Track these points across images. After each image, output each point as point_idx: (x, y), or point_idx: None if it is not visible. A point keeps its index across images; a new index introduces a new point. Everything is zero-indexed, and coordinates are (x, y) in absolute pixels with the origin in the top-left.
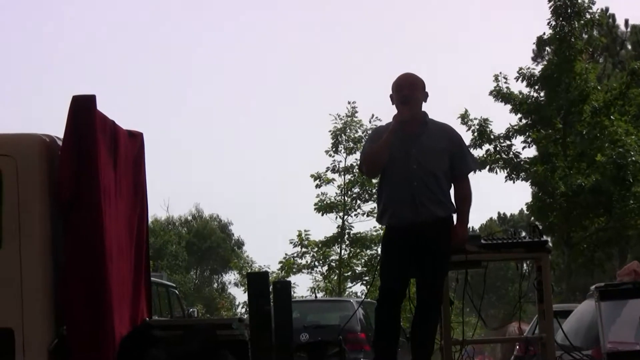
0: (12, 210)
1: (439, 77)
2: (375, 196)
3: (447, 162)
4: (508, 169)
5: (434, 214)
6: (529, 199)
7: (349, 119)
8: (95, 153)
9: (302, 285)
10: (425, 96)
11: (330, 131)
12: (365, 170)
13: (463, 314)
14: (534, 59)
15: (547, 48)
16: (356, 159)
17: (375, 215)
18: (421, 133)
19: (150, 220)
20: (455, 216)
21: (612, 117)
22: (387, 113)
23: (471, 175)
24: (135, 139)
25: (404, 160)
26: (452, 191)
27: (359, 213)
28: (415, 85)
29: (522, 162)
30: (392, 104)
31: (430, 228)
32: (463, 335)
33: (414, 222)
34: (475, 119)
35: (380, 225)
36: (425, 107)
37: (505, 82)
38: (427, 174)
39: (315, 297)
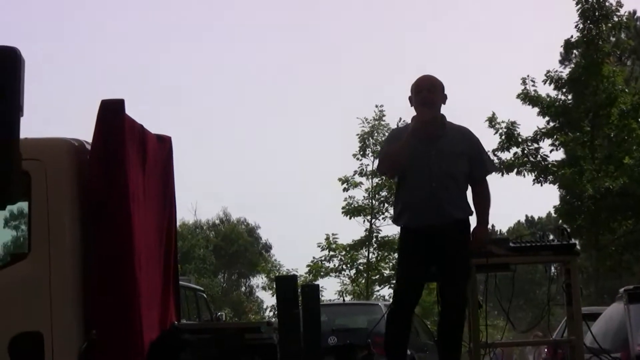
0: (41, 214)
1: (467, 80)
2: None
3: (467, 165)
4: (536, 172)
5: (453, 216)
6: (556, 202)
7: (376, 122)
8: (124, 157)
9: (330, 289)
10: (444, 98)
11: (357, 135)
12: (385, 170)
13: (486, 317)
14: (562, 62)
15: (575, 51)
16: None
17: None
18: (441, 135)
19: (178, 224)
20: (471, 218)
21: (639, 119)
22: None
23: (495, 178)
24: (164, 143)
25: (424, 162)
26: (469, 193)
27: (386, 216)
28: (435, 87)
29: (549, 165)
30: (411, 105)
31: (448, 230)
32: (487, 338)
33: (433, 224)
34: (503, 122)
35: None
36: (453, 109)
37: (533, 85)
38: (446, 176)
39: (344, 300)
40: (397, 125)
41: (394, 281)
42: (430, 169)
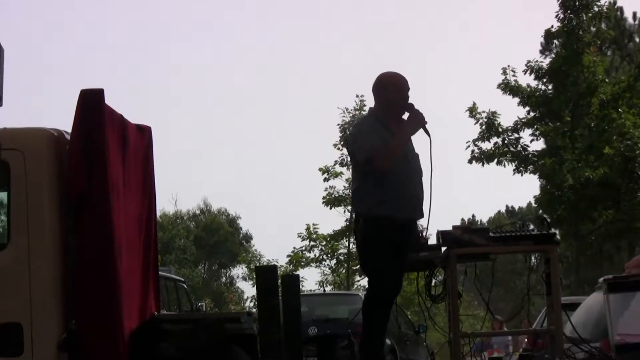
0: (20, 204)
1: (447, 70)
2: None
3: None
4: (516, 162)
5: (422, 213)
6: (537, 191)
7: (357, 112)
8: (105, 147)
9: (311, 279)
10: None
11: (338, 124)
12: (383, 165)
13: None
14: (542, 52)
15: (555, 41)
16: None
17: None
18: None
19: (158, 214)
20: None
21: (620, 109)
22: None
23: (475, 168)
24: (144, 133)
25: (405, 158)
26: None
27: None
28: (409, 89)
29: (530, 155)
30: (381, 97)
31: (415, 226)
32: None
33: (411, 219)
34: (483, 112)
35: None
36: (436, 99)
37: (514, 75)
38: (419, 174)
39: (324, 290)
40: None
41: (369, 273)
42: (410, 166)
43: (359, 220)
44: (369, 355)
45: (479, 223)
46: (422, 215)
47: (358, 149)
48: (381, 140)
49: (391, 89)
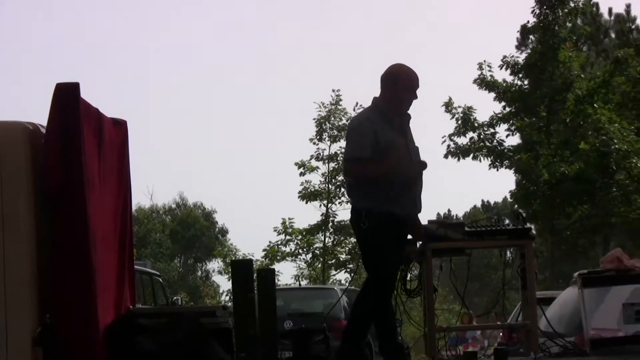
0: None
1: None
2: None
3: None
4: (492, 157)
5: (421, 207)
6: (512, 186)
7: (333, 107)
8: (80, 141)
9: (286, 273)
10: None
11: (314, 119)
12: (356, 176)
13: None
14: (518, 47)
15: (531, 36)
16: (340, 147)
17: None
18: (409, 130)
19: (134, 208)
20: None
21: (595, 105)
22: (371, 100)
23: (451, 163)
24: (120, 127)
25: (406, 153)
26: None
27: (342, 201)
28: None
29: (505, 150)
30: (390, 88)
31: (412, 220)
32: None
33: (411, 215)
34: (459, 107)
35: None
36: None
37: (490, 71)
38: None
39: (300, 284)
40: (354, 110)
41: (375, 267)
42: (412, 161)
43: (361, 215)
44: (348, 345)
45: (454, 217)
46: (420, 210)
47: (348, 145)
48: (371, 150)
49: (402, 85)
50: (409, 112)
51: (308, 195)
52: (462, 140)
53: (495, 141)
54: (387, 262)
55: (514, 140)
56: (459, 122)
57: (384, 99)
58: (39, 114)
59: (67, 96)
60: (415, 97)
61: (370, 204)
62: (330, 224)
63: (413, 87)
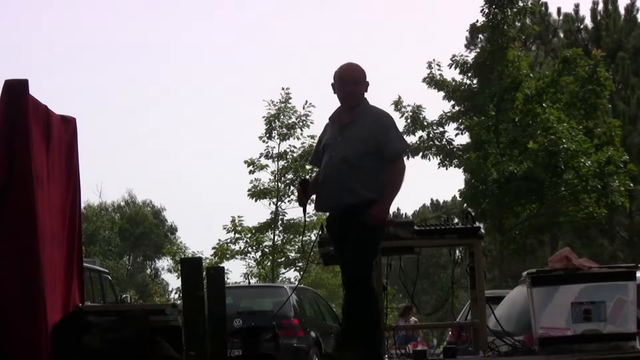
0: None
1: (373, 63)
2: None
3: (372, 147)
4: (441, 156)
5: (344, 201)
6: (461, 185)
7: (282, 105)
8: (28, 138)
9: (236, 272)
10: (367, 86)
11: (264, 117)
12: (401, 169)
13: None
14: (467, 47)
15: (480, 35)
16: (290, 145)
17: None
18: (350, 122)
19: (83, 205)
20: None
21: (544, 104)
22: (321, 98)
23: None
24: (69, 124)
25: (330, 149)
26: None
27: (292, 199)
28: (358, 78)
29: (455, 149)
30: (334, 92)
31: (342, 215)
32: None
33: (332, 208)
34: (409, 105)
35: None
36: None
37: (439, 69)
38: (341, 162)
39: (249, 283)
40: (303, 108)
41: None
42: (330, 155)
43: (365, 205)
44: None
45: (403, 216)
46: (341, 205)
47: (399, 137)
48: (317, 156)
49: (336, 81)
50: (377, 109)
51: (257, 193)
52: (412, 139)
53: (444, 140)
54: (374, 259)
55: (463, 139)
56: (409, 120)
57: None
58: None
59: (15, 93)
60: (349, 86)
61: (379, 194)
62: (280, 222)
63: (341, 77)
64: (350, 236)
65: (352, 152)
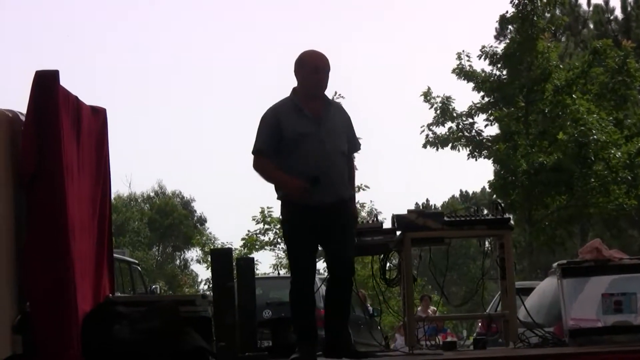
0: None
1: (403, 55)
2: None
3: (345, 142)
4: (470, 147)
5: (342, 195)
6: (491, 176)
7: None
8: (58, 129)
9: (265, 262)
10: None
11: None
12: (256, 169)
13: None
14: (497, 38)
15: (510, 26)
16: None
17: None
18: (334, 117)
19: (112, 196)
20: None
21: (574, 95)
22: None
23: (429, 152)
24: (99, 115)
25: (319, 144)
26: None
27: None
28: (329, 67)
29: (484, 140)
30: (297, 79)
31: (334, 209)
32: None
33: (327, 203)
34: (438, 96)
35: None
36: (391, 85)
37: (468, 60)
38: (336, 153)
39: (278, 273)
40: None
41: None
42: (323, 146)
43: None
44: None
45: (433, 207)
46: (339, 198)
47: (256, 137)
48: (270, 142)
49: (307, 67)
50: (337, 101)
51: None
52: (441, 130)
53: (473, 131)
54: (297, 254)
55: (493, 130)
56: (438, 111)
57: (297, 86)
58: (21, 102)
59: (45, 83)
60: (325, 77)
61: (281, 194)
62: None
63: (318, 66)
64: (344, 229)
65: (343, 143)
